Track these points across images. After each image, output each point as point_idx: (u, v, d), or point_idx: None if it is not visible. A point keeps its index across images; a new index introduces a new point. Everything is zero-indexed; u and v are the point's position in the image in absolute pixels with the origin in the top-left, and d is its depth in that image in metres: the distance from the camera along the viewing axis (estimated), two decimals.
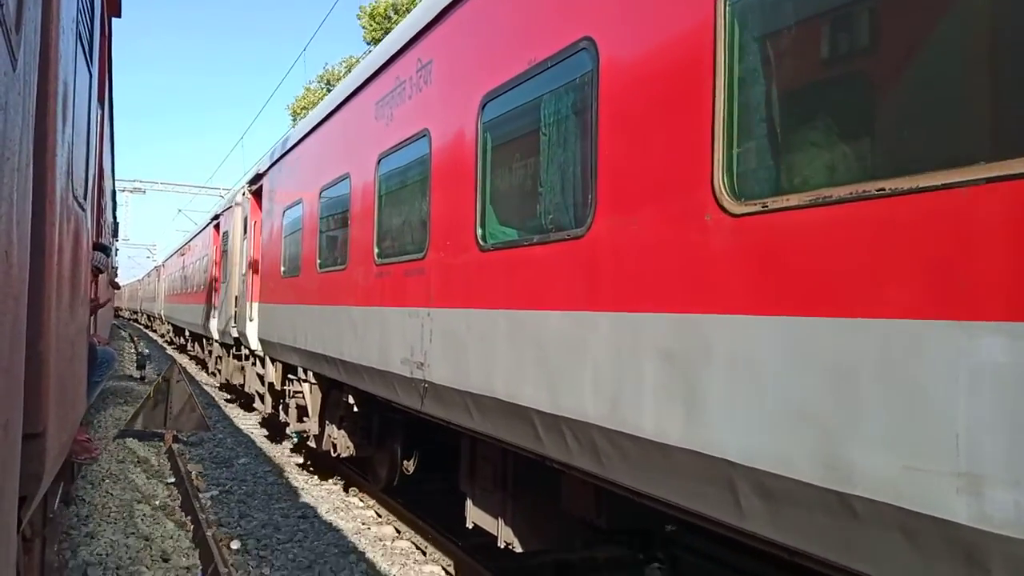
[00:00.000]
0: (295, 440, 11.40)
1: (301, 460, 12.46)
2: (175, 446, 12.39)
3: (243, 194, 15.49)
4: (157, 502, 9.49)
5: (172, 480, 10.71)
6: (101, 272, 7.21)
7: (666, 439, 3.21)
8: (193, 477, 10.61)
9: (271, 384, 12.71)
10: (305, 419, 11.15)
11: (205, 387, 22.04)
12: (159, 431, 12.80)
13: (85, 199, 4.38)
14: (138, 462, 11.69)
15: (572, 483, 4.78)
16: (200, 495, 9.71)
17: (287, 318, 10.78)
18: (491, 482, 5.84)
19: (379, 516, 9.39)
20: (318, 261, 9.26)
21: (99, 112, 6.33)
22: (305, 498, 10.10)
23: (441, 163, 5.76)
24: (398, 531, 8.91)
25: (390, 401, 7.06)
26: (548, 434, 4.21)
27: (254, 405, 14.62)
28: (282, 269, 11.29)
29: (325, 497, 10.25)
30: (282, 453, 13.17)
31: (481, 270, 5.02)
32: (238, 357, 16.38)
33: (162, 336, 44.86)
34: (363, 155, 7.67)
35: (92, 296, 6.45)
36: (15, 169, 1.94)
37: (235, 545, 7.89)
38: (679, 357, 3.17)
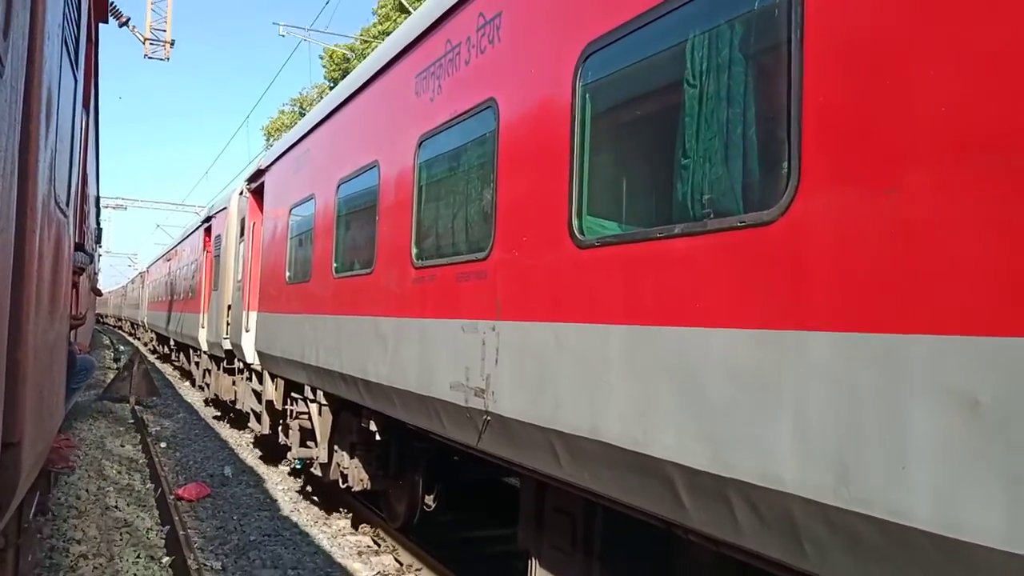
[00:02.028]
0: (297, 466, 10.14)
1: (299, 485, 11.19)
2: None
3: (240, 193, 14.26)
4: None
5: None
6: (82, 271, 6.22)
7: (960, 533, 2.05)
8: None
9: (270, 403, 11.45)
10: (310, 444, 9.91)
11: (188, 399, 20.83)
12: (126, 397, 18.46)
13: (67, 205, 4.35)
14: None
15: (704, 557, 3.60)
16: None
17: (292, 329, 9.55)
18: (568, 541, 4.64)
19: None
20: (334, 265, 8.05)
21: (84, 118, 6.21)
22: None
23: (514, 139, 4.60)
24: None
25: (430, 433, 5.85)
26: (699, 501, 3.03)
27: (249, 425, 13.32)
28: (287, 274, 10.07)
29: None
30: (283, 482, 11.88)
31: (579, 272, 3.86)
32: (230, 371, 15.09)
33: (145, 344, 43.35)
34: (398, 139, 6.50)
35: (74, 307, 6.28)
36: (1, 176, 1.99)
37: None
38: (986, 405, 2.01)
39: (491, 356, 4.67)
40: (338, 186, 8.05)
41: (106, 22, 7.78)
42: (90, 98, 7.41)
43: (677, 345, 3.15)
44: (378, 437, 7.37)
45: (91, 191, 12.59)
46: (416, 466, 8.04)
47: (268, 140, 44.93)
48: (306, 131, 9.56)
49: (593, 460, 3.72)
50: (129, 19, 16.87)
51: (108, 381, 20.59)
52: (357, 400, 7.39)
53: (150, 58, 17.66)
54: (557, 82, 4.14)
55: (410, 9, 17.64)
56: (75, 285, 6.13)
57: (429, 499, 8.27)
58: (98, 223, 23.38)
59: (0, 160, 2.00)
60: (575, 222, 3.94)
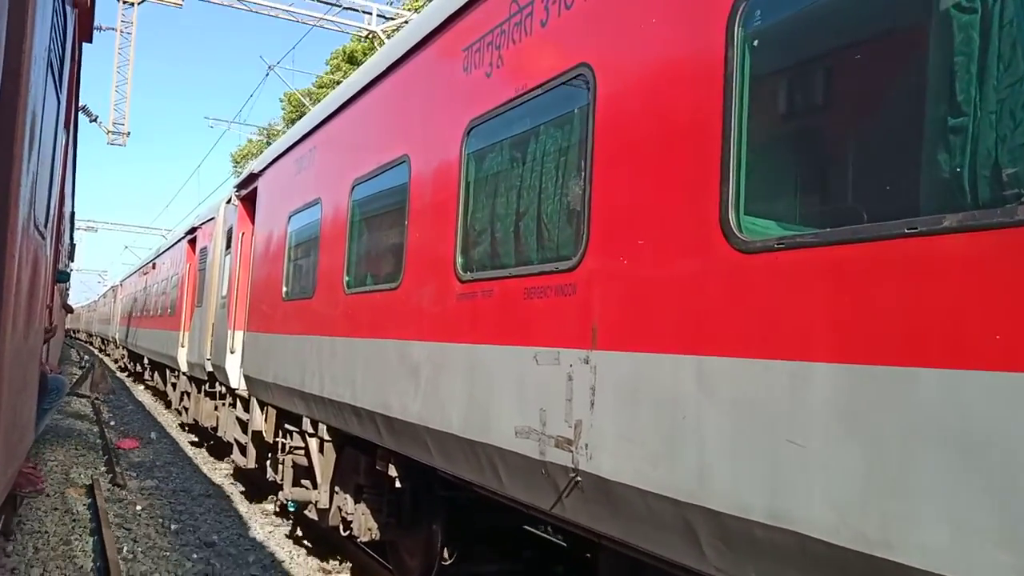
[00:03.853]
0: (290, 508, 8.89)
1: (288, 527, 9.92)
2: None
3: (228, 201, 13.07)
4: None
5: None
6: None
7: None
8: None
9: (257, 434, 10.20)
10: (304, 483, 8.67)
11: (164, 424, 20.06)
12: (88, 394, 23.09)
13: (46, 227, 4.37)
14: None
15: None
16: None
17: (289, 352, 8.35)
18: None
19: None
20: (346, 278, 6.91)
21: (65, 137, 6.12)
22: None
23: (620, 113, 3.53)
24: None
25: (472, 485, 4.71)
26: None
27: (232, 457, 12.02)
28: (284, 290, 8.89)
29: None
30: (268, 523, 10.58)
31: (741, 285, 2.78)
32: (211, 395, 13.77)
33: (115, 361, 41.56)
34: (437, 127, 5.41)
35: (46, 321, 6.14)
36: None
37: None
38: None
39: (582, 397, 3.55)
40: (352, 187, 6.93)
41: (90, 42, 7.59)
42: (71, 117, 7.33)
43: (950, 398, 2.07)
44: (398, 484, 6.18)
45: (67, 208, 12.16)
46: (434, 514, 6.85)
47: (236, 166, 45.96)
48: (312, 127, 8.44)
49: (775, 557, 2.61)
50: (97, 116, 21.51)
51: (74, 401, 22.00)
52: (373, 439, 6.21)
53: (112, 144, 22.56)
54: (701, 30, 3.08)
55: (360, 62, 18.87)
56: (50, 306, 6.16)
57: (446, 549, 7.11)
58: (72, 240, 23.08)
59: None
60: (731, 216, 2.86)
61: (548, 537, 8.42)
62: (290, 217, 8.91)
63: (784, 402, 2.56)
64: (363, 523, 7.16)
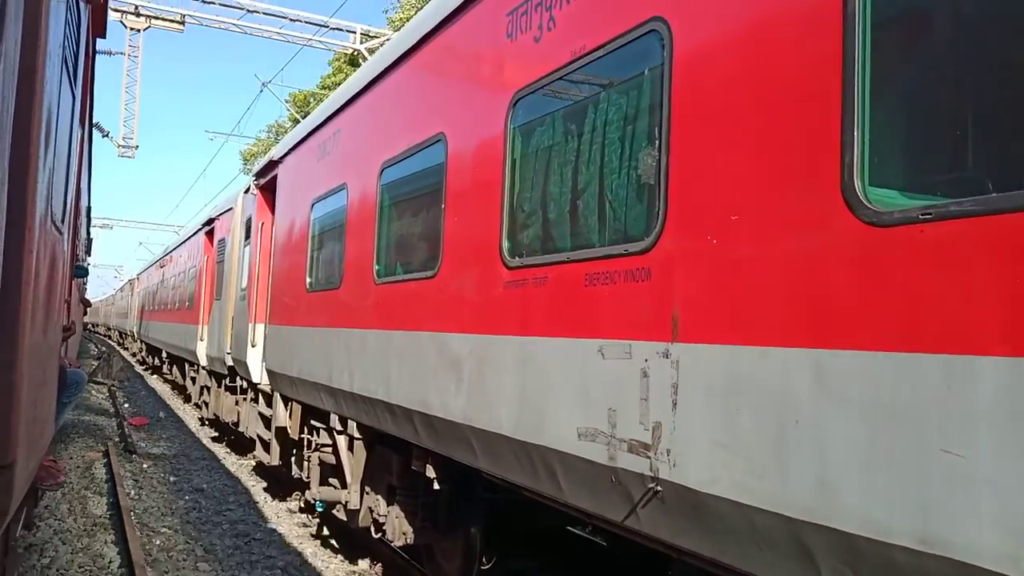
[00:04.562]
0: (318, 509, 8.54)
1: (314, 526, 9.58)
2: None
3: (247, 191, 12.71)
4: None
5: None
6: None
7: None
8: None
9: (281, 430, 9.85)
10: (332, 481, 8.31)
11: (172, 406, 21.69)
12: (106, 381, 24.81)
13: (63, 222, 4.37)
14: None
15: None
16: None
17: (315, 346, 7.98)
18: None
19: None
20: (376, 267, 6.50)
21: (80, 133, 6.09)
22: None
23: (704, 74, 3.09)
24: None
25: (535, 494, 4.30)
26: None
27: (254, 453, 11.69)
28: (308, 281, 8.50)
29: None
30: (293, 521, 10.26)
31: (875, 264, 2.34)
32: (232, 390, 13.47)
33: (133, 355, 41.54)
34: (475, 103, 4.98)
35: (65, 318, 6.06)
36: None
37: None
38: None
39: (662, 395, 3.13)
40: (382, 170, 6.51)
41: (103, 37, 7.56)
42: (86, 113, 7.27)
43: None
44: (437, 486, 5.79)
45: (83, 203, 12.09)
46: (474, 516, 6.46)
47: (245, 164, 47.08)
48: (335, 109, 8.02)
49: None
50: (109, 132, 23.85)
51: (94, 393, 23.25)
52: (410, 438, 5.82)
53: (122, 156, 24.99)
54: None
55: (361, 63, 19.68)
56: (68, 302, 6.16)
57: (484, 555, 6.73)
58: (89, 235, 23.49)
59: None
60: (857, 184, 2.41)
61: (589, 538, 8.03)
62: (313, 204, 8.52)
63: (937, 404, 2.12)
64: (397, 526, 6.78)
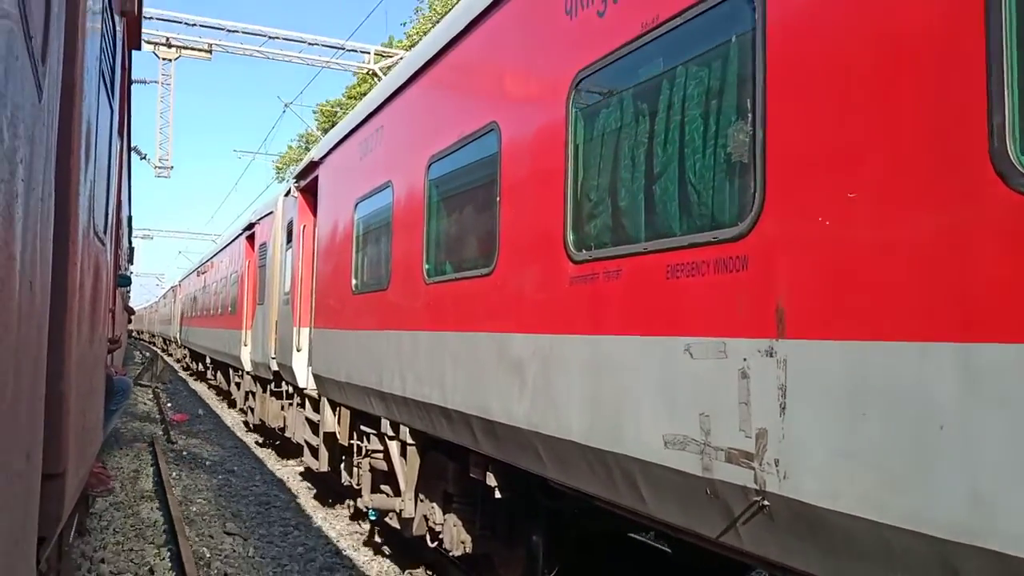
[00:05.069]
0: (371, 518, 8.32)
1: (364, 533, 9.38)
2: None
3: (287, 194, 12.58)
4: None
5: None
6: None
7: None
8: None
9: (329, 435, 9.67)
10: (384, 488, 8.09)
11: (211, 405, 23.39)
12: (150, 383, 26.44)
13: (105, 233, 4.45)
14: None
15: None
16: None
17: (362, 349, 7.76)
18: None
19: None
20: (426, 267, 6.24)
21: (119, 144, 6.19)
22: None
23: (808, 35, 2.74)
24: None
25: (613, 506, 3.98)
26: None
27: (303, 459, 11.55)
28: (354, 283, 8.29)
29: None
30: (344, 526, 10.08)
31: None
32: (277, 395, 13.36)
33: (178, 361, 42.11)
34: (532, 87, 4.68)
35: (110, 331, 6.19)
36: (40, 199, 1.99)
37: None
38: None
39: (766, 399, 2.79)
40: (429, 165, 6.24)
41: (138, 49, 7.83)
42: (124, 124, 7.41)
43: None
44: (498, 494, 5.50)
45: (124, 213, 12.24)
46: (535, 525, 6.17)
47: (278, 174, 48.15)
48: (376, 105, 7.78)
49: None
50: (146, 155, 25.39)
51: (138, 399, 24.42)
52: (467, 444, 5.54)
53: (158, 176, 26.75)
54: None
55: (381, 75, 21.21)
56: (112, 311, 6.13)
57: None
58: (130, 243, 24.04)
59: (39, 184, 1.96)
60: (1010, 149, 2.06)
61: (653, 544, 7.69)
62: (356, 204, 8.29)
63: None
64: (455, 535, 6.52)
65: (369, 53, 22.82)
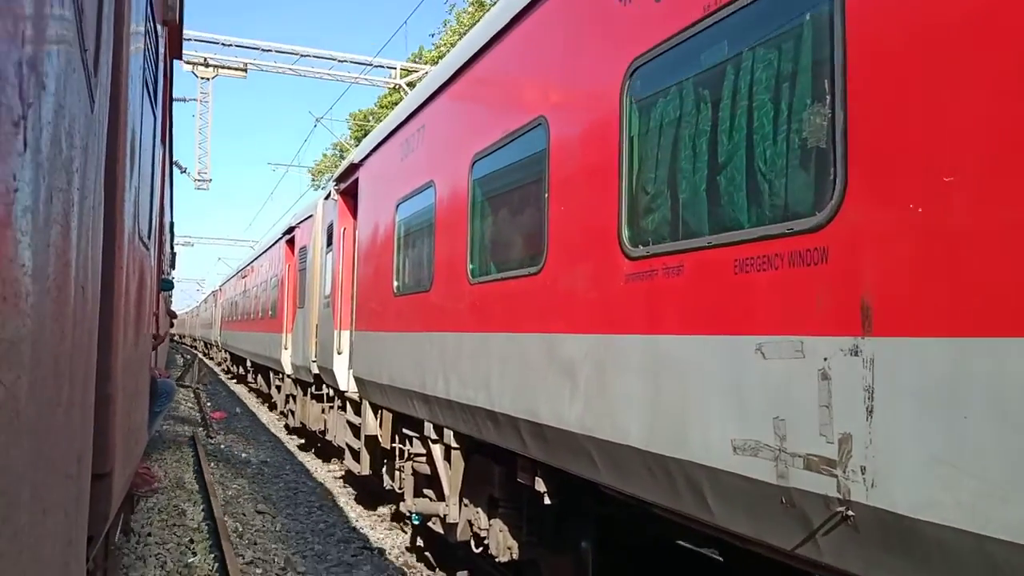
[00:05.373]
0: (414, 522, 8.21)
1: (406, 538, 9.27)
2: None
3: (327, 197, 12.57)
4: None
5: None
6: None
7: None
8: None
9: (371, 439, 9.59)
10: (427, 492, 7.97)
11: (247, 403, 24.92)
12: (190, 384, 27.30)
13: (149, 238, 4.56)
14: None
15: None
16: None
17: (404, 351, 7.65)
18: None
19: None
20: (470, 267, 6.11)
21: (161, 151, 6.28)
22: None
23: (897, 6, 2.54)
24: None
25: (674, 514, 3.79)
26: None
27: (344, 463, 11.51)
28: (395, 284, 8.20)
29: None
30: (386, 530, 9.99)
31: None
32: (318, 398, 13.36)
33: (219, 364, 42.68)
34: (582, 79, 4.52)
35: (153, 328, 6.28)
36: (91, 207, 2.01)
37: None
38: None
39: (851, 401, 2.58)
40: (473, 163, 6.11)
41: (179, 58, 7.90)
42: (166, 132, 7.56)
43: None
44: (547, 500, 5.33)
45: (167, 219, 12.47)
46: (584, 531, 5.99)
47: (313, 181, 49.36)
48: (418, 104, 7.69)
49: None
50: (186, 168, 26.48)
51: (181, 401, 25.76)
52: (516, 449, 5.39)
53: (198, 189, 27.99)
54: None
55: (408, 89, 22.38)
56: (156, 314, 6.23)
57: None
58: (172, 249, 24.66)
59: (91, 191, 1.99)
60: None
61: (704, 552, 7.46)
62: (398, 206, 8.21)
63: None
64: (501, 541, 6.36)
65: (395, 69, 24.05)
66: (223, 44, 22.83)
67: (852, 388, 2.58)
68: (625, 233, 3.98)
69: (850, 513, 2.59)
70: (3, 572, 1.03)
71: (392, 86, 25.23)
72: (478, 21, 5.61)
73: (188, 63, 22.55)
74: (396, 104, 22.05)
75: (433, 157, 7.21)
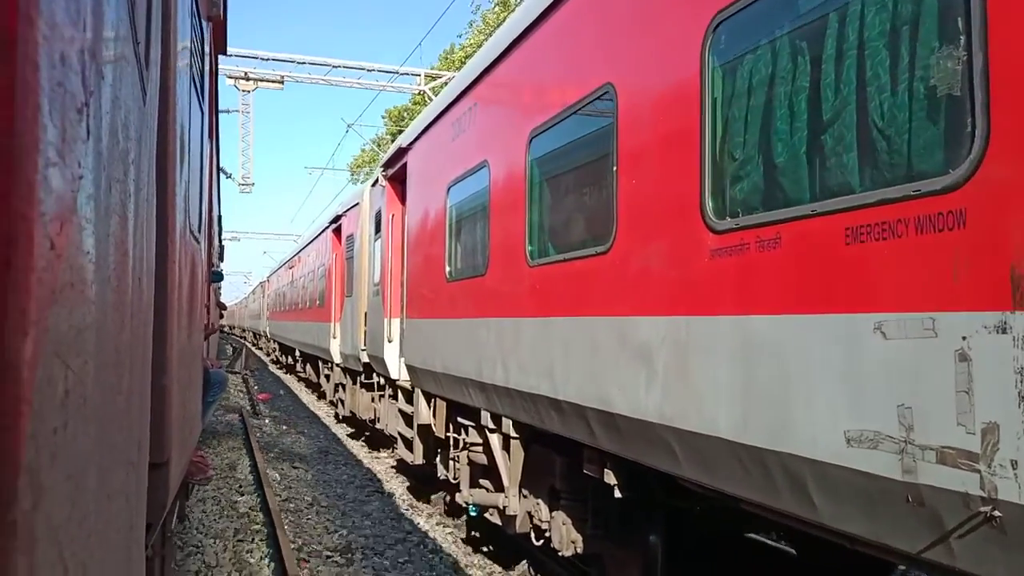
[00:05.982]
0: (472, 514, 7.99)
1: (462, 529, 9.08)
2: None
3: (374, 184, 12.40)
4: None
5: None
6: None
7: None
8: None
9: (424, 428, 9.40)
10: (483, 482, 7.75)
11: (290, 386, 27.30)
12: (238, 371, 29.55)
13: (199, 232, 4.61)
14: None
15: None
16: None
17: (458, 338, 7.42)
18: None
19: None
20: (529, 248, 5.82)
21: (208, 146, 6.28)
22: None
23: None
24: None
25: (771, 512, 3.47)
26: None
27: (396, 452, 11.37)
28: (447, 270, 7.96)
29: None
30: (439, 523, 9.83)
31: None
32: (368, 387, 13.25)
33: (268, 354, 43.24)
34: (655, 41, 4.18)
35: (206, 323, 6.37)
36: (145, 199, 2.04)
37: None
38: None
39: (997, 386, 2.24)
40: (530, 140, 5.82)
41: (225, 54, 7.92)
42: (213, 128, 7.58)
43: None
44: (618, 493, 5.04)
45: (215, 212, 12.56)
46: (652, 524, 5.69)
47: (352, 176, 49.71)
48: (469, 83, 7.40)
49: None
50: (231, 174, 28.37)
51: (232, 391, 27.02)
52: (584, 439, 5.11)
53: (242, 193, 31.14)
54: None
55: (432, 95, 23.57)
56: (207, 306, 6.35)
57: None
58: (220, 242, 25.15)
59: (145, 184, 2.02)
60: None
61: (776, 545, 7.10)
62: (449, 189, 7.96)
63: None
64: (564, 534, 6.10)
65: (419, 76, 25.81)
66: (261, 59, 24.32)
67: (999, 370, 2.24)
68: (709, 205, 3.65)
69: (996, 513, 2.25)
70: (73, 556, 1.04)
71: (417, 91, 26.93)
72: (503, 20, 5.42)
73: (231, 77, 24.12)
74: (431, 98, 22.28)
75: (486, 136, 6.93)
